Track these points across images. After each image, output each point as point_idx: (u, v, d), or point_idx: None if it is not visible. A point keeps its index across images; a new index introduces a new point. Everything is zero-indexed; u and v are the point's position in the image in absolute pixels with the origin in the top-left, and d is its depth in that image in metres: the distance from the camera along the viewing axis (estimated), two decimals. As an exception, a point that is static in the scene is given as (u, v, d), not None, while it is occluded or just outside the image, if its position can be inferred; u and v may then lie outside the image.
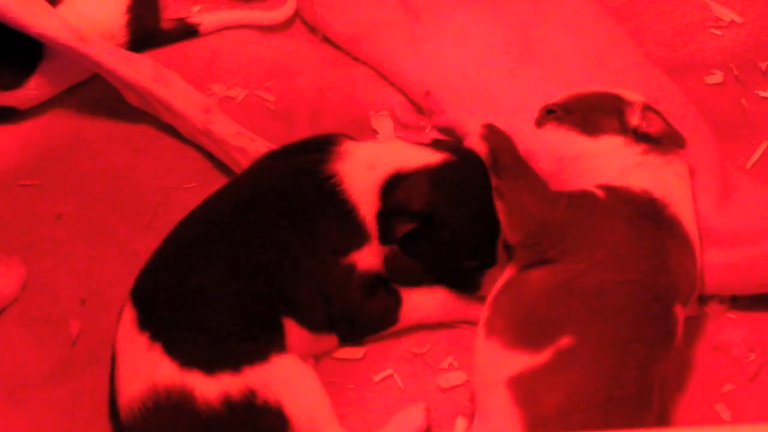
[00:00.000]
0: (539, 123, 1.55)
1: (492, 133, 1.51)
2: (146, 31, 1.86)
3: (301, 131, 1.76)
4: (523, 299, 1.41)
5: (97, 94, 1.81)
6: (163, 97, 1.74)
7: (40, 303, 1.61)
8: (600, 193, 1.44)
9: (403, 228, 1.48)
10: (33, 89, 1.78)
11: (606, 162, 1.47)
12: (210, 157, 1.74)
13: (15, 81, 1.77)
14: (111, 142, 1.78)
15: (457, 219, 1.49)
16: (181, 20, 1.91)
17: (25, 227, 1.67)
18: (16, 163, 1.76)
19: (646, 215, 1.42)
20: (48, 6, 1.71)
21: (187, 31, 1.90)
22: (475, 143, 1.52)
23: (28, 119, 1.81)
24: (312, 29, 1.90)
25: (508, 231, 1.45)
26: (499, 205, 1.46)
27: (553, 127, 1.53)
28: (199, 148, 1.76)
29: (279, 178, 1.53)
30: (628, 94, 1.53)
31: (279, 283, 1.46)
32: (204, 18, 1.91)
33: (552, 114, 1.53)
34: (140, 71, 1.74)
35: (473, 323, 1.50)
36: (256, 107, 1.82)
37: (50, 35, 1.69)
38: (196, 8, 1.95)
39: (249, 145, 1.71)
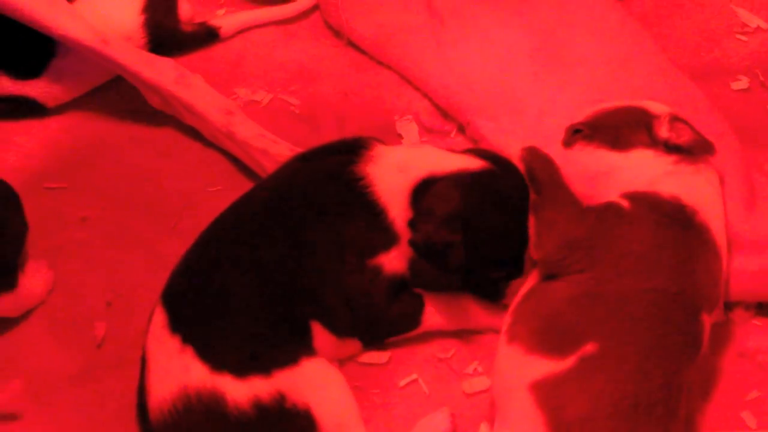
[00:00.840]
0: (567, 144, 1.54)
1: (530, 154, 1.51)
2: (165, 33, 1.86)
3: (326, 135, 1.76)
4: (546, 306, 1.41)
5: (121, 98, 1.82)
6: (185, 99, 1.75)
7: (66, 305, 1.61)
8: (625, 203, 1.43)
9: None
10: (52, 81, 1.79)
11: (637, 173, 1.47)
12: (234, 160, 1.75)
13: (32, 70, 1.78)
14: (135, 145, 1.79)
15: (486, 228, 1.48)
16: (203, 23, 1.91)
17: (51, 230, 1.67)
18: (42, 166, 1.76)
19: (674, 222, 1.42)
20: (71, 8, 1.73)
21: (208, 34, 1.91)
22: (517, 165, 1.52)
23: (53, 122, 1.83)
24: (337, 33, 1.91)
25: (536, 246, 1.45)
26: (532, 221, 1.47)
27: (582, 146, 1.52)
28: (224, 151, 1.76)
29: (308, 180, 1.53)
30: (653, 106, 1.52)
31: (307, 286, 1.47)
32: (224, 21, 1.92)
33: (579, 133, 1.53)
34: (162, 73, 1.75)
35: (496, 331, 1.50)
36: (280, 111, 1.82)
37: (73, 37, 1.70)
38: (221, 11, 1.96)
39: (271, 147, 1.71)
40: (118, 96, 1.82)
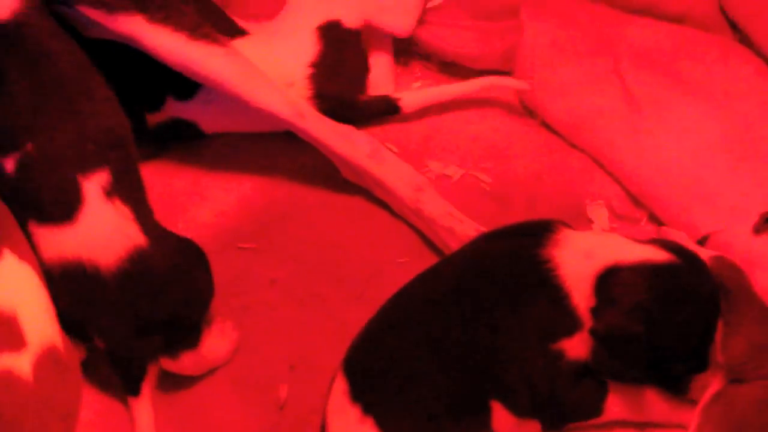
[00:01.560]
0: (757, 230, 1.53)
1: (719, 263, 1.50)
2: (334, 95, 1.87)
3: (516, 215, 1.77)
4: (733, 410, 1.39)
5: (315, 162, 1.84)
6: (376, 174, 1.77)
7: (251, 365, 1.64)
8: None
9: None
10: (205, 103, 1.82)
11: None
12: (423, 233, 1.76)
13: (188, 91, 1.82)
14: (327, 211, 1.82)
15: (668, 323, 1.46)
16: (384, 96, 1.91)
17: (241, 289, 1.71)
18: (236, 226, 1.80)
19: None
20: (270, 81, 1.76)
21: (388, 108, 1.91)
22: None
23: (248, 181, 1.86)
24: (531, 113, 1.91)
25: (721, 349, 1.43)
26: (720, 325, 1.45)
27: None
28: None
29: (494, 260, 1.54)
30: None
31: (488, 365, 1.47)
32: (405, 95, 1.92)
33: None
34: (356, 147, 1.77)
35: (680, 426, 1.47)
36: (471, 188, 1.83)
37: (271, 110, 1.74)
38: (416, 84, 1.98)
39: (457, 226, 1.72)
40: (311, 160, 1.85)
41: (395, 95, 1.91)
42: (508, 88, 1.93)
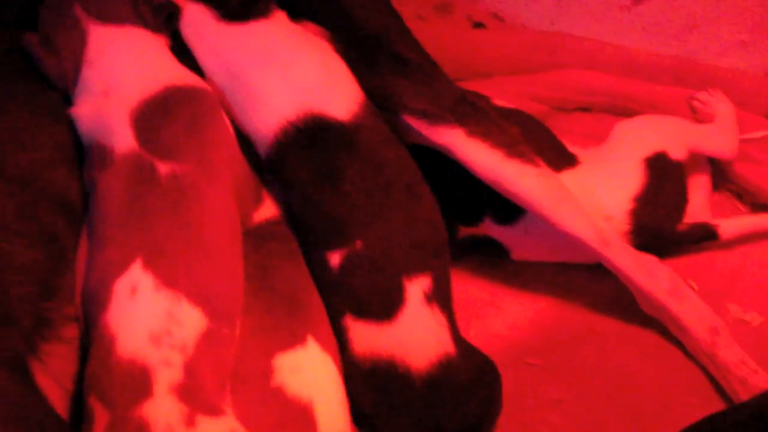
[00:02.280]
0: None
1: None
2: (654, 228, 1.86)
3: (812, 373, 1.72)
4: None
5: (613, 289, 1.84)
6: (673, 311, 1.76)
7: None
8: None
9: None
10: (522, 234, 1.84)
11: None
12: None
13: (509, 217, 1.84)
14: (620, 341, 1.81)
15: None
16: (701, 223, 1.90)
17: (525, 406, 1.72)
18: (526, 340, 1.82)
19: None
20: (579, 207, 1.77)
21: (706, 233, 1.89)
22: None
23: (542, 301, 1.88)
24: (842, 272, 1.87)
25: None
26: None
27: None
28: (704, 366, 1.76)
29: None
30: None
31: None
32: (724, 221, 1.90)
33: None
34: (657, 282, 1.77)
35: None
36: (769, 337, 1.80)
37: (577, 235, 1.76)
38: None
39: (751, 377, 1.69)
40: (610, 287, 1.84)
41: (713, 221, 1.90)
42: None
